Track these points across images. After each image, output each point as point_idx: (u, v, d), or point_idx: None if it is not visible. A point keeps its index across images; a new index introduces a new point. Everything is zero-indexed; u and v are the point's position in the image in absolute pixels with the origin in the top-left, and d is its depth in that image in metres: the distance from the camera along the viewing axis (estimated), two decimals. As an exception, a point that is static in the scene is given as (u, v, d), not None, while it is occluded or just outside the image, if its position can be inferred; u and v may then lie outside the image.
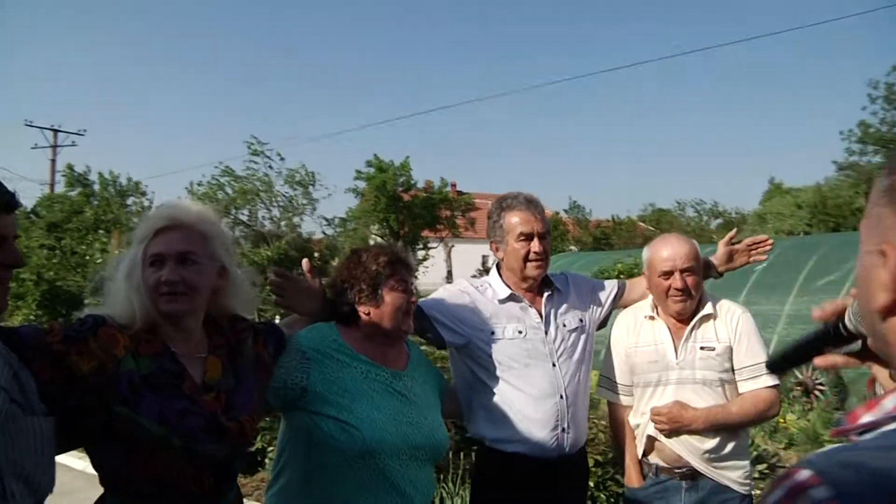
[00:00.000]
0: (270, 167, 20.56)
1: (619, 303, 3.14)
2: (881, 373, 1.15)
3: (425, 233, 27.85)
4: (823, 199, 25.92)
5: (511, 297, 2.83)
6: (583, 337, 2.90)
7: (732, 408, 2.78)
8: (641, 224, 39.22)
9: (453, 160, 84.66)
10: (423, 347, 2.78)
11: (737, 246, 3.05)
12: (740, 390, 2.84)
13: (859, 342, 1.10)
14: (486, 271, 2.49)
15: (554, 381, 2.76)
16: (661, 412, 2.79)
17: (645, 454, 2.93)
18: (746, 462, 2.88)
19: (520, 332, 2.77)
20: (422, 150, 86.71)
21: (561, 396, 2.75)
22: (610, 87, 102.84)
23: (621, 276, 10.14)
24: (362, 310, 2.34)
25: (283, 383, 2.19)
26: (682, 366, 2.84)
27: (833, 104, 75.95)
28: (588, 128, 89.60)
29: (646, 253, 2.98)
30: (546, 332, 2.81)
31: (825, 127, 78.26)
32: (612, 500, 4.32)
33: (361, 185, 27.11)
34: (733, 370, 2.84)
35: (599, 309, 3.06)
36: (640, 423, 2.96)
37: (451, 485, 4.68)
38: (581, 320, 2.92)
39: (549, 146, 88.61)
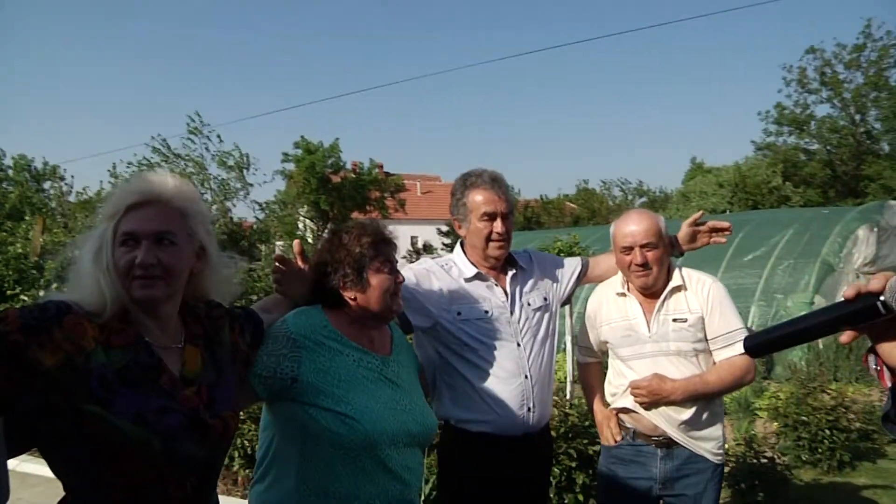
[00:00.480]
0: (207, 149, 20.11)
1: (583, 280, 3.15)
2: (887, 347, 1.16)
3: (354, 214, 27.64)
4: (743, 178, 26.82)
5: (477, 276, 2.81)
6: (546, 316, 2.90)
7: (710, 377, 2.83)
8: (570, 204, 39.77)
9: (380, 141, 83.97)
10: None
11: (700, 227, 3.08)
12: (716, 359, 2.85)
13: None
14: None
15: (519, 360, 2.75)
16: (641, 385, 2.83)
17: (621, 422, 2.99)
18: (720, 433, 2.94)
19: (486, 312, 2.76)
20: (348, 132, 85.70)
21: (526, 376, 2.75)
22: (537, 67, 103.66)
23: (561, 254, 10.26)
24: (348, 295, 2.22)
25: (272, 372, 2.06)
26: (655, 339, 2.88)
27: (752, 85, 78.29)
28: (516, 108, 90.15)
29: (611, 229, 3.00)
30: (511, 312, 2.80)
31: (744, 108, 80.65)
32: (565, 474, 4.37)
33: (289, 167, 26.70)
34: (707, 339, 2.86)
35: (563, 287, 3.05)
36: (616, 392, 3.00)
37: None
38: (545, 299, 2.92)
39: (478, 126, 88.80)
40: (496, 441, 2.70)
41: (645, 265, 2.83)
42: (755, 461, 5.26)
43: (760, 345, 1.30)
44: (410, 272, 2.81)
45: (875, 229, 10.45)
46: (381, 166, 30.83)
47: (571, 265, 3.12)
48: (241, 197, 20.31)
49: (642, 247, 2.83)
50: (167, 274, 1.73)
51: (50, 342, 1.54)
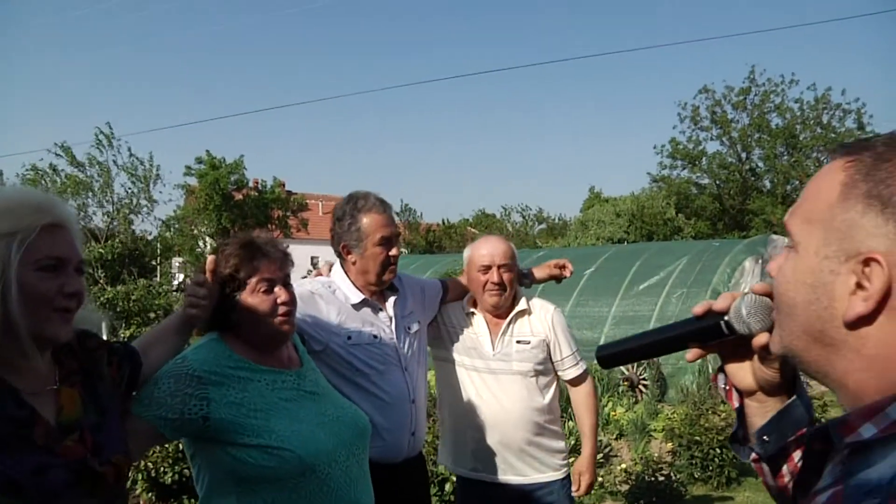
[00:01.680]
0: (115, 161, 19.37)
1: (444, 302, 3.21)
2: (735, 367, 1.15)
3: (256, 233, 27.07)
4: (641, 209, 27.87)
5: (364, 302, 2.77)
6: (422, 340, 2.98)
7: (586, 426, 3.20)
8: (471, 228, 40.27)
9: (283, 160, 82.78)
10: None
11: (550, 263, 3.40)
12: (564, 377, 3.15)
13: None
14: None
15: (405, 386, 2.78)
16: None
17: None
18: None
19: (375, 337, 2.74)
20: (250, 149, 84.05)
21: (412, 401, 2.78)
22: (442, 93, 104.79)
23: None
24: (232, 317, 2.03)
25: (179, 414, 1.86)
26: (498, 357, 3.05)
27: (649, 119, 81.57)
28: (420, 133, 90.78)
29: (467, 252, 3.18)
30: (397, 337, 2.80)
31: (641, 140, 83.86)
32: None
33: (192, 181, 26.02)
34: (551, 361, 3.11)
35: (430, 310, 3.12)
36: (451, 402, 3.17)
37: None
38: (419, 322, 2.97)
39: (381, 149, 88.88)
40: (377, 468, 2.58)
41: (500, 284, 3.02)
42: (652, 479, 5.57)
43: (613, 356, 1.22)
44: (297, 295, 2.69)
45: (760, 261, 11.16)
46: (284, 185, 30.47)
47: (435, 288, 3.19)
48: (146, 213, 19.68)
49: (499, 267, 3.02)
50: (78, 306, 1.56)
51: None
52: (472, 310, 3.15)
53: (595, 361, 1.24)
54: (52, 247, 1.49)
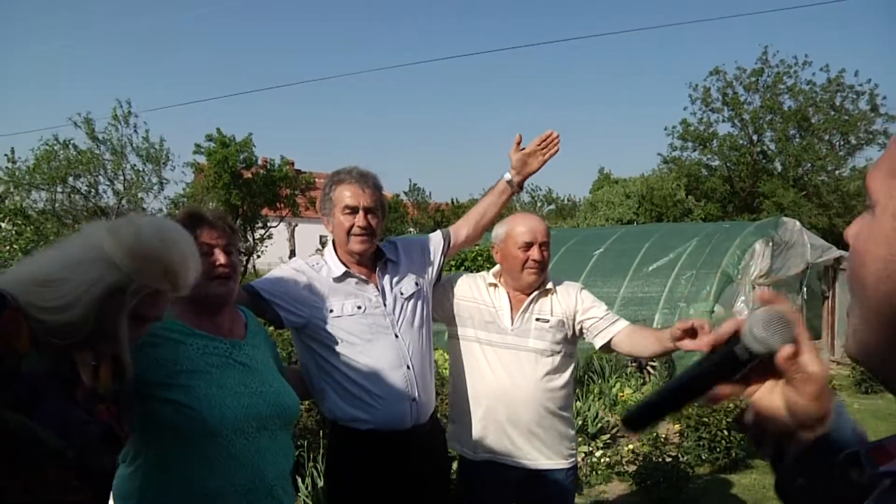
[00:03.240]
0: (130, 140, 19.34)
1: (450, 251, 3.14)
2: (768, 398, 0.96)
3: (265, 211, 27.18)
4: (651, 190, 27.74)
5: (346, 275, 2.79)
6: (420, 302, 2.93)
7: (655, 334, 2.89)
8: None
9: (292, 138, 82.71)
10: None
11: (527, 150, 3.06)
12: (615, 329, 2.98)
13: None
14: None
15: (399, 351, 2.77)
16: None
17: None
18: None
19: (359, 308, 2.75)
20: (259, 127, 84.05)
21: (408, 367, 2.77)
22: (450, 72, 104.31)
23: (478, 258, 10.43)
24: None
25: None
26: (516, 333, 3.02)
27: (659, 101, 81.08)
28: (429, 112, 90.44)
29: (501, 227, 3.12)
30: (385, 304, 2.81)
31: (651, 122, 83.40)
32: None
33: (200, 159, 25.98)
34: (574, 339, 3.09)
35: (432, 267, 3.08)
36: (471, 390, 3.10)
37: (322, 464, 4.67)
38: (417, 284, 2.94)
39: (390, 128, 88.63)
40: (385, 437, 2.70)
41: (542, 262, 3.00)
42: (660, 460, 5.58)
43: (639, 420, 1.07)
44: (279, 271, 2.82)
45: (770, 243, 11.10)
46: (293, 163, 30.40)
47: (435, 241, 3.13)
48: (156, 192, 19.68)
49: (541, 245, 3.00)
50: None
51: None
52: (494, 281, 3.12)
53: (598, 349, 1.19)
54: (150, 308, 1.72)
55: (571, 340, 3.11)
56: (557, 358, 3.04)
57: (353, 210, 2.75)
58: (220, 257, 2.20)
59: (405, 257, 2.99)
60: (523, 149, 3.08)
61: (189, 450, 2.01)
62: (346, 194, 2.77)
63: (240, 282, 2.39)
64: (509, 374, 2.99)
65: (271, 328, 2.98)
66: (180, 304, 2.13)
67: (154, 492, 2.03)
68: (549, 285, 3.09)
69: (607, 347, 3.05)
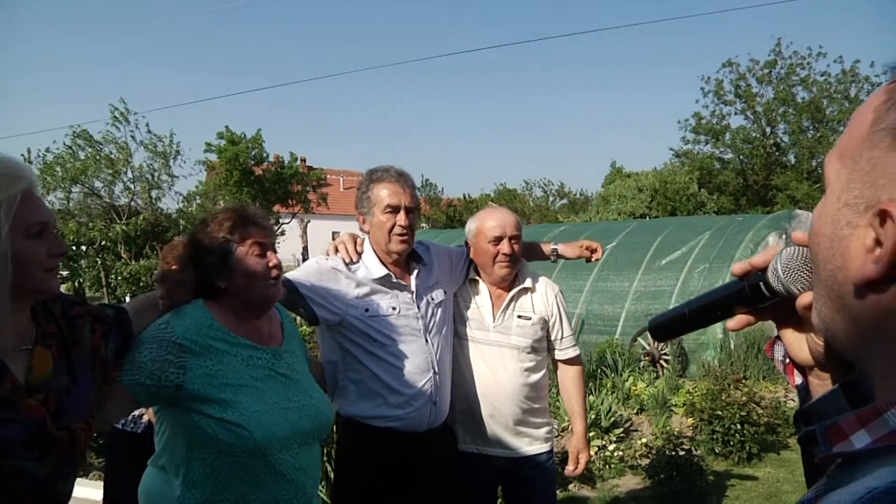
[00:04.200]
0: (133, 136, 19.46)
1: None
2: (791, 336, 0.97)
3: (276, 208, 27.28)
4: (663, 184, 27.61)
5: (385, 277, 2.79)
6: (447, 309, 2.99)
7: (577, 405, 3.24)
8: (492, 203, 40.07)
9: (304, 135, 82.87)
10: None
11: (586, 252, 3.31)
12: (560, 356, 3.21)
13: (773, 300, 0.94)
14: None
15: (427, 356, 2.80)
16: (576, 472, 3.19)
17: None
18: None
19: (394, 309, 2.77)
20: (270, 124, 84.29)
21: (434, 371, 2.80)
22: (462, 68, 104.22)
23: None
24: (218, 283, 2.11)
25: (157, 381, 1.93)
26: (498, 330, 3.06)
27: (672, 94, 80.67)
28: (441, 107, 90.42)
29: (472, 223, 3.16)
30: (418, 308, 2.83)
31: (663, 115, 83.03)
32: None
33: (212, 157, 26.12)
34: (548, 339, 3.16)
35: (458, 278, 3.14)
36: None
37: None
38: (445, 292, 2.98)
39: (402, 124, 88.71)
40: (400, 437, 2.72)
41: (512, 256, 3.02)
42: (673, 454, 5.55)
43: (662, 325, 1.11)
44: (315, 266, 2.78)
45: (784, 236, 11.03)
46: (304, 160, 30.48)
47: (462, 256, 3.18)
48: (167, 188, 19.80)
49: (510, 238, 3.01)
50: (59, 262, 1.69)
51: None
52: (476, 278, 3.14)
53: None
54: (35, 213, 1.57)
55: (548, 336, 3.18)
56: (536, 354, 3.11)
57: (395, 209, 2.76)
58: (273, 258, 2.17)
59: (437, 263, 3.01)
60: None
61: (234, 465, 2.00)
62: (387, 193, 2.78)
63: None
64: (492, 370, 3.04)
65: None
66: (221, 307, 2.13)
67: (196, 503, 2.02)
68: (528, 283, 3.13)
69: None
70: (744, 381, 7.52)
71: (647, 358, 9.71)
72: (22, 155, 18.67)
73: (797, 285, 0.86)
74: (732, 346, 9.79)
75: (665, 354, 9.72)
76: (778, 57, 29.93)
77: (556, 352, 3.20)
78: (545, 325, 3.12)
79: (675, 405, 7.73)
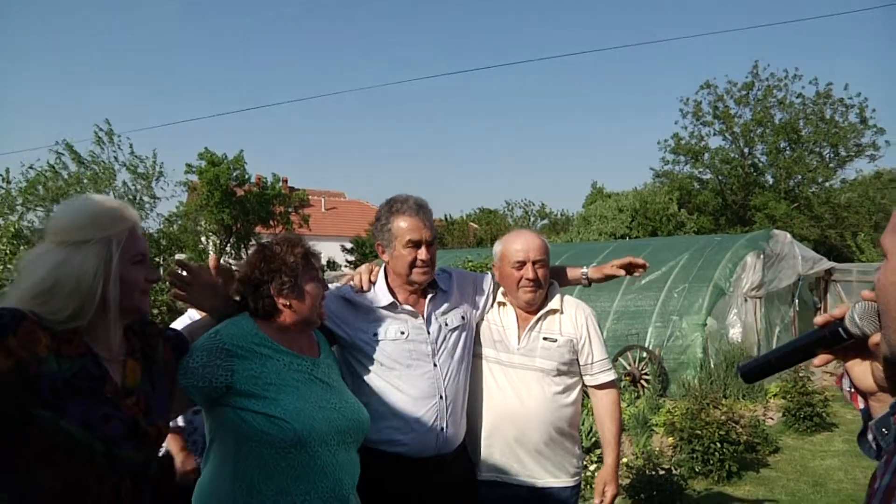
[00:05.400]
0: (116, 157, 19.40)
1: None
2: (858, 368, 1.29)
3: (258, 229, 27.19)
4: (644, 204, 27.83)
5: (391, 305, 2.82)
6: (464, 335, 2.95)
7: (610, 434, 3.07)
8: (473, 224, 40.23)
9: (285, 156, 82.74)
10: None
11: (620, 270, 3.21)
12: (591, 382, 3.07)
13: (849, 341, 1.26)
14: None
15: (434, 381, 2.79)
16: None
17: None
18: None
19: (402, 333, 2.78)
20: (252, 145, 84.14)
21: (441, 397, 2.79)
22: (443, 89, 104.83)
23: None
24: (282, 302, 2.34)
25: (208, 383, 2.18)
26: (522, 352, 3.00)
27: (651, 115, 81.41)
28: (421, 129, 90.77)
29: (498, 246, 3.13)
30: (428, 333, 2.82)
31: (644, 136, 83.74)
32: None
33: (193, 178, 26.03)
34: (578, 364, 3.06)
35: (482, 304, 3.11)
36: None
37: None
38: (463, 318, 2.96)
39: (384, 144, 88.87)
40: (408, 463, 2.73)
41: (535, 281, 2.97)
42: (653, 473, 5.60)
43: (754, 370, 1.43)
44: (328, 294, 2.78)
45: (761, 256, 11.18)
46: (286, 181, 30.45)
47: (488, 281, 3.18)
48: (148, 209, 19.71)
49: (534, 263, 2.98)
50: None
51: (3, 348, 1.61)
52: (503, 300, 3.10)
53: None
54: (137, 245, 1.94)
55: (577, 359, 3.08)
56: (565, 378, 3.03)
57: (416, 244, 2.79)
58: (326, 284, 2.49)
59: (457, 289, 3.02)
60: (623, 268, 3.20)
61: (278, 458, 2.18)
62: (407, 226, 2.80)
63: None
64: (517, 393, 2.99)
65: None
66: (266, 322, 2.37)
67: (245, 495, 2.19)
68: (556, 304, 3.06)
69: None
70: (723, 400, 7.59)
71: (627, 378, 9.77)
72: (1, 175, 18.51)
73: (869, 328, 1.19)
74: (712, 366, 9.88)
75: (646, 374, 9.78)
76: (755, 79, 30.38)
77: (587, 377, 3.08)
78: (572, 347, 3.03)
79: (656, 425, 7.78)
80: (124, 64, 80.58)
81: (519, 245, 3.02)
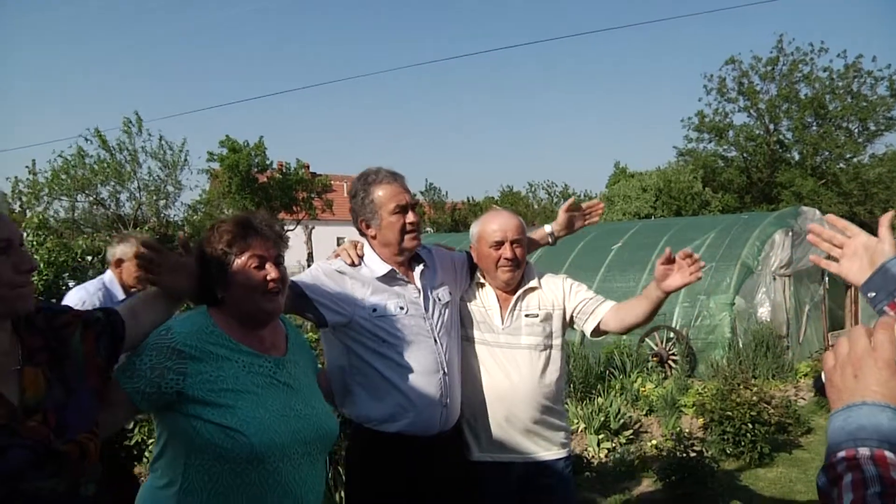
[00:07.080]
0: (144, 149, 19.59)
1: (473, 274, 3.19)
2: None
3: (281, 215, 27.29)
4: (668, 183, 27.55)
5: (389, 273, 2.77)
6: (454, 310, 2.96)
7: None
8: (496, 206, 40.00)
9: (307, 141, 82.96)
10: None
11: (575, 212, 3.31)
12: (603, 310, 3.02)
13: None
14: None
15: (437, 357, 2.77)
16: None
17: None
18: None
19: (401, 308, 2.75)
20: (274, 131, 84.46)
21: (444, 372, 2.77)
22: (465, 71, 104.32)
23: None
24: (219, 293, 2.09)
25: (156, 388, 1.93)
26: (508, 331, 3.03)
27: (674, 93, 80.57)
28: (444, 111, 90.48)
29: (475, 227, 3.13)
30: (426, 308, 2.81)
31: (666, 114, 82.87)
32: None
33: (215, 166, 26.15)
34: (567, 323, 3.10)
35: (462, 280, 3.11)
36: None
37: (341, 470, 4.65)
38: (450, 293, 2.95)
39: (405, 128, 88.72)
40: (411, 441, 2.69)
41: (514, 260, 2.99)
42: (683, 455, 5.51)
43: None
44: (320, 269, 2.78)
45: (790, 233, 10.98)
46: (308, 166, 30.49)
47: (462, 259, 3.17)
48: (173, 198, 19.89)
49: (512, 242, 2.99)
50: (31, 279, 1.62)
51: None
52: (482, 281, 3.11)
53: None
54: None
55: (561, 331, 3.10)
56: (551, 352, 3.06)
57: (403, 209, 2.76)
58: (272, 271, 2.10)
59: (439, 264, 3.00)
60: (574, 209, 3.31)
61: (232, 474, 1.96)
62: (390, 193, 2.76)
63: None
64: (506, 373, 3.00)
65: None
66: (224, 314, 2.11)
67: None
68: (534, 282, 3.10)
69: (598, 331, 3.06)
70: (753, 380, 7.47)
71: (655, 359, 9.67)
72: (26, 167, 18.72)
73: None
74: (741, 345, 9.74)
75: (673, 355, 9.68)
76: (780, 53, 29.87)
77: (590, 320, 3.04)
78: (552, 318, 3.07)
79: (685, 406, 7.69)
80: (149, 53, 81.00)
81: (496, 225, 3.02)
